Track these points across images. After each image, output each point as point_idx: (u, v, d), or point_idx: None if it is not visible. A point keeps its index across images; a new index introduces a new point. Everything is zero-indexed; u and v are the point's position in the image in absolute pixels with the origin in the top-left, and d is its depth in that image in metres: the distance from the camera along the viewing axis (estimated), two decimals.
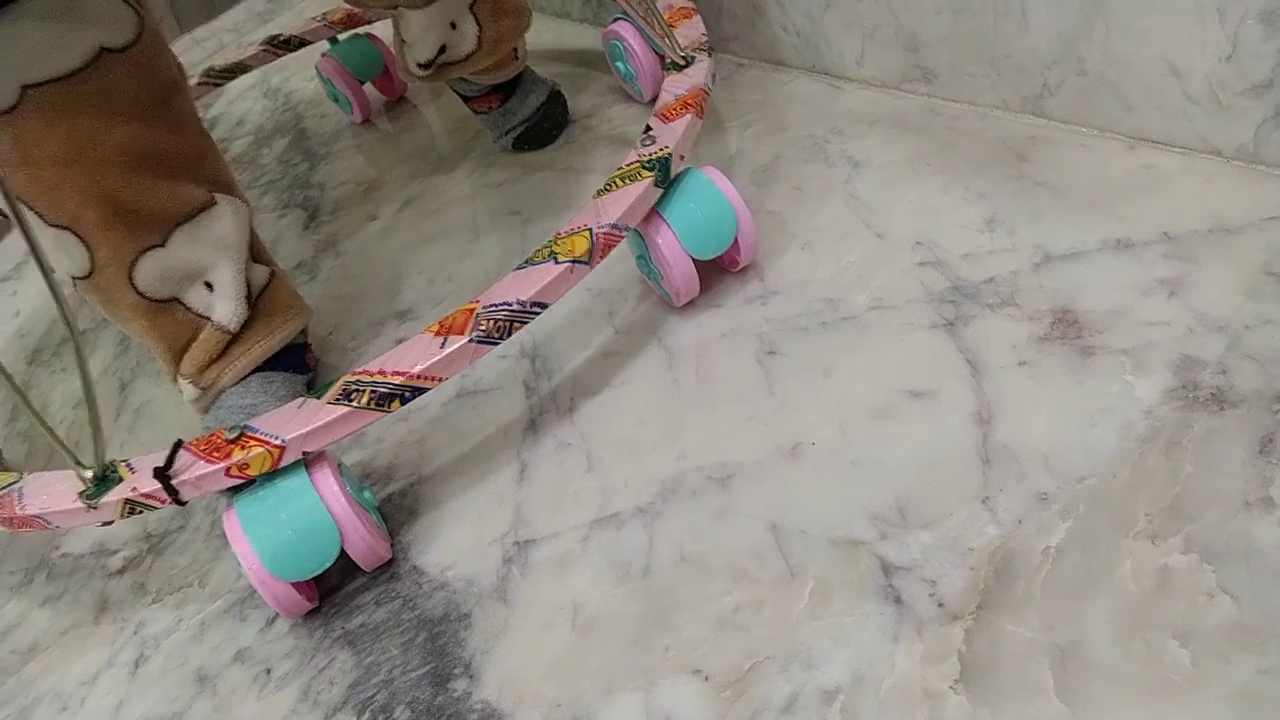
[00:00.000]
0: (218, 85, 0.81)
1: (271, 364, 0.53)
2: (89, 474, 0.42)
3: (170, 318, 0.50)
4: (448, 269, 0.63)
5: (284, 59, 0.85)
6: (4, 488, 0.45)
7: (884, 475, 0.40)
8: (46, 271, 0.39)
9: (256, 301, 0.53)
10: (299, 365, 0.56)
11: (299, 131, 0.87)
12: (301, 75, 0.93)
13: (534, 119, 0.70)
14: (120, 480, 0.42)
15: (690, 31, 0.59)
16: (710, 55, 0.56)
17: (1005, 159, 0.53)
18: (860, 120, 0.61)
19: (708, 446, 0.44)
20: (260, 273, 0.53)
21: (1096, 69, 0.50)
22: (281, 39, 0.82)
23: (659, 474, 0.44)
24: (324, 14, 0.82)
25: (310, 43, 0.82)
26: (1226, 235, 0.44)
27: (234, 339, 0.52)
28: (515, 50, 0.65)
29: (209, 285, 0.51)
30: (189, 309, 0.50)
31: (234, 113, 0.94)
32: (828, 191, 0.56)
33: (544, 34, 0.85)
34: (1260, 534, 0.33)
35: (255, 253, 0.54)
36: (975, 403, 0.41)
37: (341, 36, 0.83)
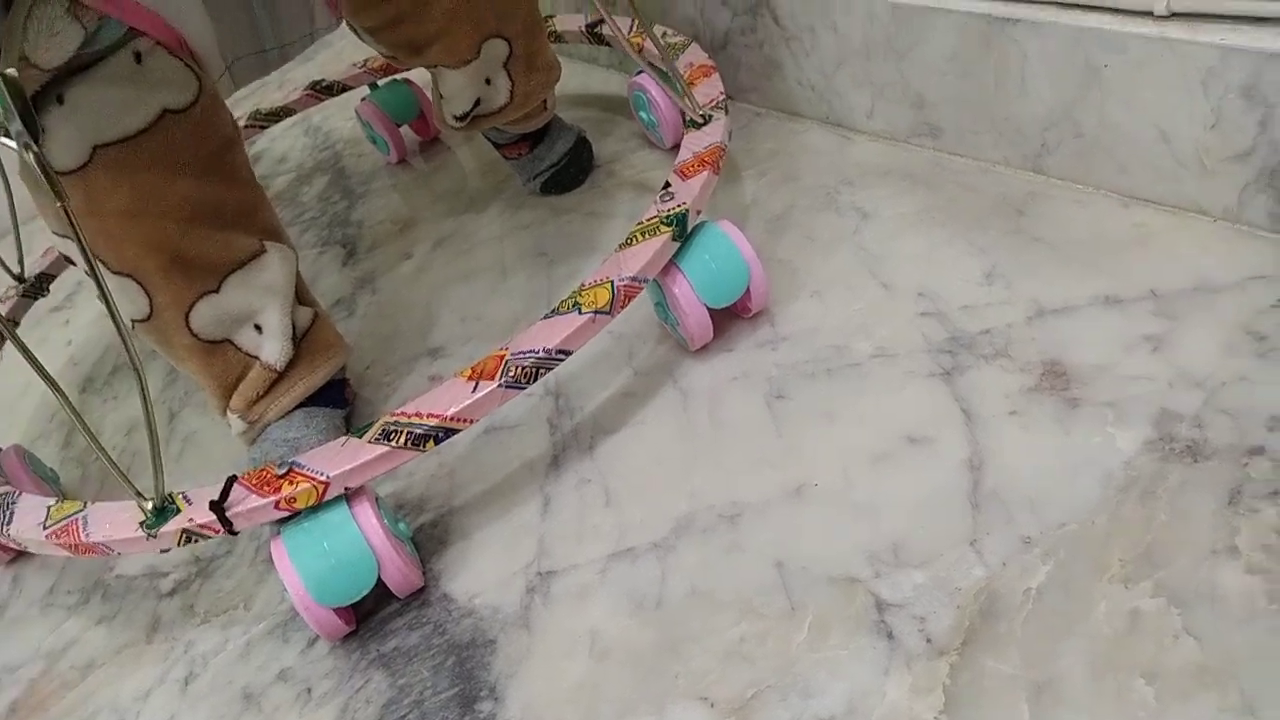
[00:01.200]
0: (263, 128, 0.86)
1: (313, 399, 0.57)
2: (149, 505, 0.46)
3: (222, 357, 0.54)
4: (477, 308, 0.67)
5: (325, 102, 0.89)
6: (68, 516, 0.49)
7: (881, 517, 0.43)
8: (117, 319, 0.43)
9: (301, 341, 0.56)
10: (338, 400, 0.60)
11: (338, 170, 0.91)
12: (340, 114, 0.97)
13: (560, 164, 0.73)
14: (178, 511, 0.46)
15: (709, 90, 0.62)
16: (727, 114, 0.60)
17: (1005, 214, 0.56)
18: (869, 172, 0.64)
19: (718, 486, 0.48)
20: (304, 314, 0.57)
21: (1092, 133, 0.53)
22: (324, 84, 0.86)
23: (673, 511, 0.47)
24: (365, 60, 0.87)
25: (351, 88, 0.87)
26: (1210, 294, 0.47)
27: (280, 377, 0.55)
28: (545, 101, 0.69)
29: (258, 327, 0.55)
30: (239, 349, 0.54)
31: (276, 150, 0.98)
32: (837, 241, 0.60)
33: (572, 79, 0.89)
34: (1225, 580, 0.36)
35: (300, 295, 0.58)
36: (968, 450, 0.44)
37: (380, 82, 0.87)
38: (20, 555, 0.61)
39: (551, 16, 0.80)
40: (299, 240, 0.83)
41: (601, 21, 0.76)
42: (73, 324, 0.84)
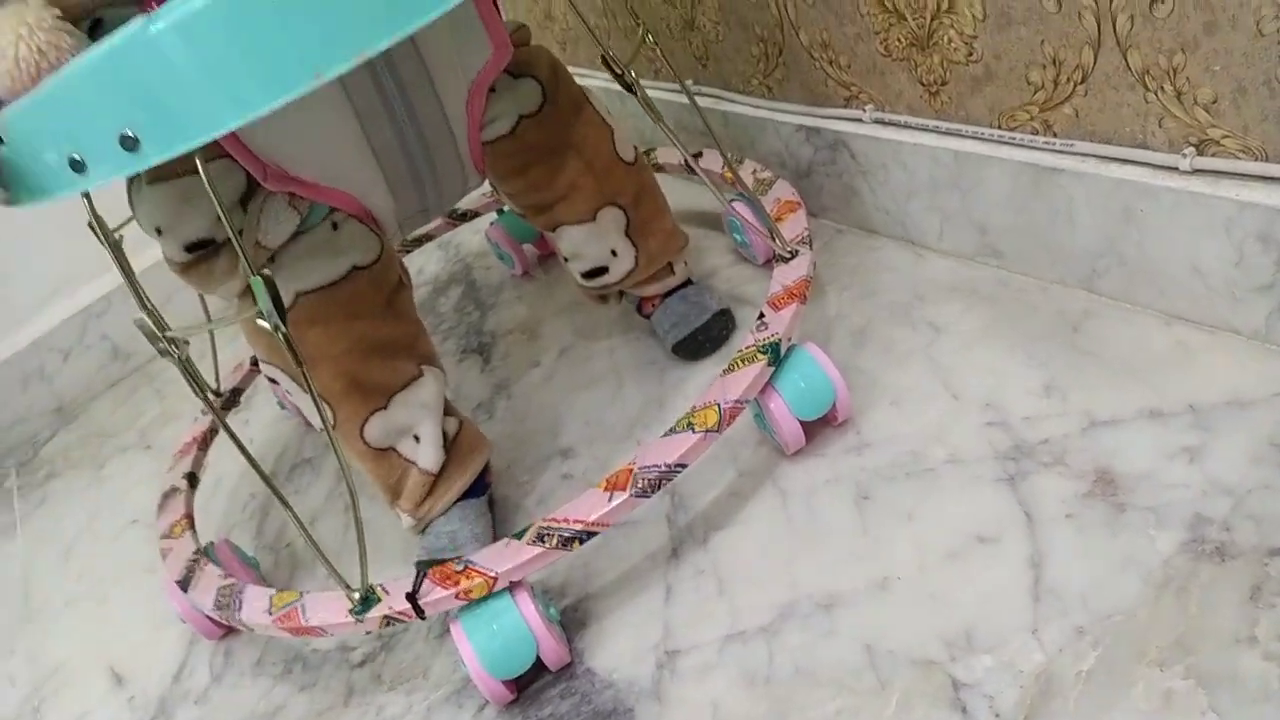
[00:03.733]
0: (408, 252, 1.00)
1: (464, 493, 0.69)
2: (356, 595, 0.58)
3: (388, 462, 0.66)
4: (599, 412, 0.78)
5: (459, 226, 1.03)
6: (289, 604, 0.61)
7: (955, 607, 0.51)
8: (328, 428, 0.56)
9: (451, 446, 0.68)
10: (481, 488, 0.71)
11: (470, 282, 1.04)
12: (469, 229, 1.10)
13: (693, 331, 0.76)
14: (379, 601, 0.58)
15: (795, 225, 0.73)
16: (811, 248, 0.70)
17: (1062, 330, 0.64)
18: (940, 288, 0.73)
19: (815, 577, 0.57)
20: (452, 423, 0.69)
21: (1134, 262, 0.61)
22: (459, 212, 1.00)
23: (776, 599, 0.56)
24: (492, 191, 1.00)
25: (481, 214, 1.00)
26: (1241, 408, 0.54)
27: (437, 478, 0.67)
28: (671, 266, 0.76)
29: (416, 438, 0.66)
30: (401, 456, 0.66)
31: (414, 263, 1.12)
32: (912, 353, 0.68)
33: (672, 195, 1.00)
34: (1245, 665, 0.43)
35: (447, 407, 0.69)
36: (1030, 549, 0.52)
37: (506, 208, 1.00)
38: (230, 631, 0.74)
39: (653, 149, 0.92)
40: (441, 347, 0.95)
41: (700, 155, 0.87)
42: (252, 424, 0.98)
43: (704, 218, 0.95)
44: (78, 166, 0.45)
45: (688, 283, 0.79)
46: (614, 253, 0.73)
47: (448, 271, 1.08)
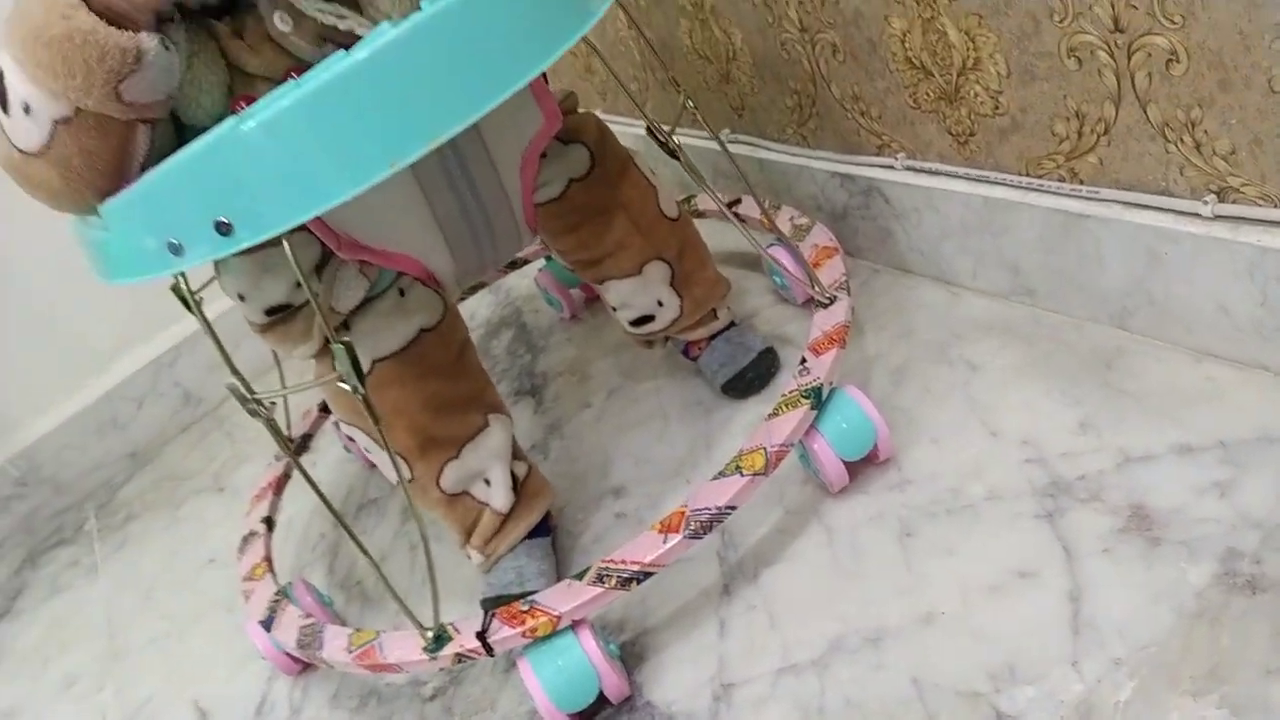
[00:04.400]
0: (463, 299, 1.05)
1: (530, 533, 0.73)
2: (430, 634, 0.62)
3: (462, 506, 0.70)
4: (648, 452, 0.81)
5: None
6: (367, 643, 0.65)
7: (998, 640, 0.54)
8: (404, 483, 0.60)
9: (520, 489, 0.72)
10: (545, 529, 0.75)
11: (520, 325, 1.09)
12: (518, 275, 1.15)
13: (741, 370, 0.80)
14: (451, 639, 0.61)
15: (832, 271, 0.76)
16: (849, 294, 0.73)
17: (1095, 367, 0.67)
18: (976, 326, 0.76)
19: (862, 612, 0.59)
20: (520, 467, 0.73)
21: (1162, 302, 0.63)
22: (511, 260, 1.04)
23: (826, 633, 0.59)
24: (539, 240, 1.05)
25: (530, 261, 1.05)
26: (1270, 444, 0.56)
27: (506, 519, 0.71)
28: (715, 311, 0.79)
29: (487, 481, 0.70)
30: (474, 498, 0.70)
31: (466, 308, 1.17)
32: (950, 392, 0.71)
33: (712, 237, 1.04)
34: (1277, 695, 0.45)
35: (515, 451, 0.73)
36: (1068, 583, 0.55)
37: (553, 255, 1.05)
38: (307, 667, 0.78)
39: (693, 196, 0.96)
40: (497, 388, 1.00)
41: (738, 202, 0.91)
42: (319, 466, 1.03)
43: (745, 259, 0.98)
44: (176, 250, 0.50)
45: (731, 325, 0.83)
46: (660, 303, 0.77)
47: (499, 315, 1.13)
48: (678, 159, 0.67)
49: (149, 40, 0.49)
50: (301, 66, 0.55)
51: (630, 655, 0.65)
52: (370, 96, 0.47)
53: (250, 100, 0.49)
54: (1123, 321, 0.67)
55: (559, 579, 0.66)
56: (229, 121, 0.47)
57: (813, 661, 0.58)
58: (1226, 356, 0.62)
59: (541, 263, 1.05)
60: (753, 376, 0.80)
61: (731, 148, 0.97)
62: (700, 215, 0.94)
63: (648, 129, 0.68)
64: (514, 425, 0.73)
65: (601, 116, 0.77)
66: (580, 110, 0.75)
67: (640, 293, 0.77)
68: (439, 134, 0.48)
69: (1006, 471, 0.63)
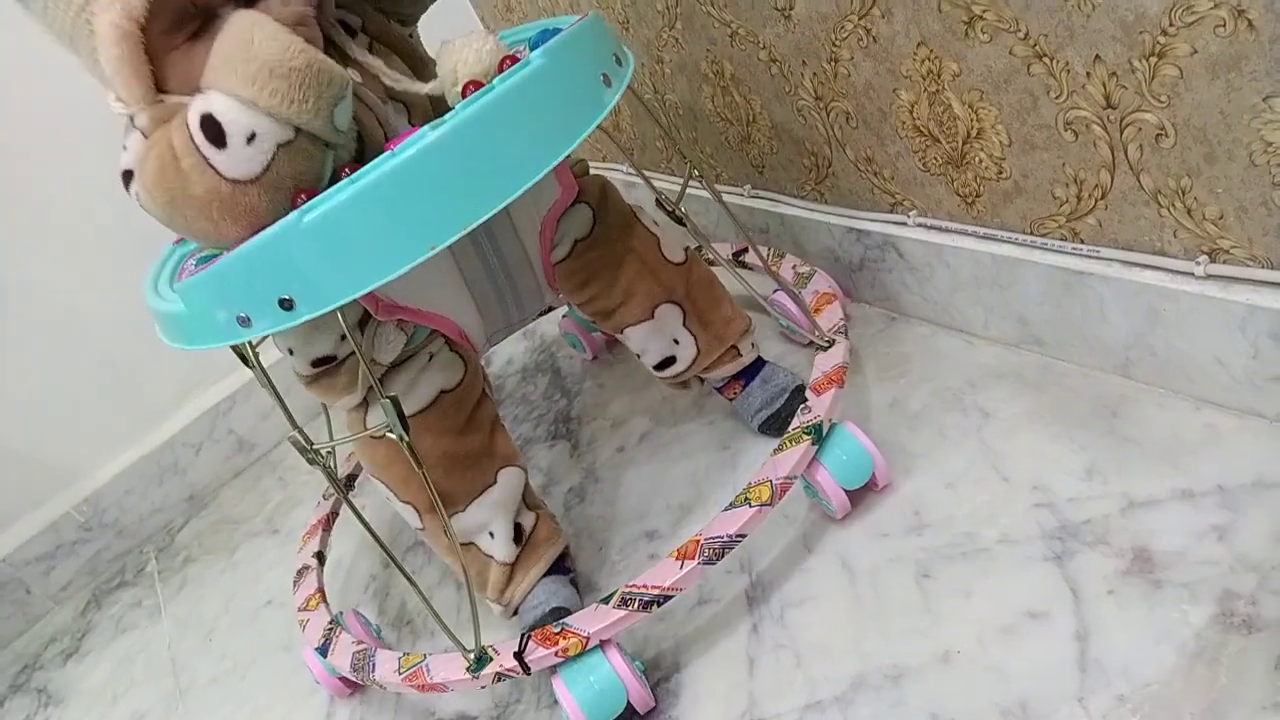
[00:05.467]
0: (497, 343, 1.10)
1: (545, 573, 0.77)
2: (472, 655, 0.67)
3: (471, 555, 0.76)
4: (678, 494, 0.86)
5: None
6: (415, 665, 0.70)
7: (1010, 678, 0.58)
8: (417, 530, 0.65)
9: (527, 539, 0.77)
10: (562, 569, 0.80)
11: (554, 370, 1.14)
12: (549, 320, 1.20)
13: (777, 409, 0.84)
14: (491, 660, 0.67)
15: (831, 316, 0.81)
16: (847, 337, 0.78)
17: (1102, 414, 0.70)
18: (989, 374, 0.80)
19: (882, 650, 0.63)
20: (529, 517, 0.78)
21: (1162, 353, 0.67)
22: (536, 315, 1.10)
23: (849, 671, 0.63)
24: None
25: (555, 308, 1.10)
26: (1265, 489, 0.60)
27: (514, 568, 0.76)
28: (736, 348, 0.83)
29: (490, 534, 0.75)
30: (481, 550, 0.76)
31: (503, 351, 1.23)
32: (964, 437, 0.75)
33: (728, 284, 1.09)
34: None
35: (526, 499, 0.78)
36: (1076, 624, 0.58)
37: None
38: (357, 689, 0.83)
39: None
40: (532, 434, 1.05)
41: (745, 251, 0.96)
42: (367, 509, 1.08)
43: (750, 303, 1.03)
44: (244, 322, 0.57)
45: (759, 361, 0.86)
46: (676, 341, 0.81)
47: (534, 360, 1.18)
48: (684, 225, 0.73)
49: (348, 72, 0.58)
50: (355, 164, 0.61)
51: (666, 692, 0.69)
52: (412, 191, 0.54)
53: (310, 195, 0.55)
54: (1127, 371, 0.71)
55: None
56: (292, 215, 0.53)
57: (836, 698, 0.62)
58: (1225, 404, 0.66)
59: (565, 310, 1.11)
60: (786, 416, 0.84)
61: (752, 202, 1.02)
62: (711, 264, 0.99)
63: (657, 201, 0.74)
64: (533, 473, 0.78)
65: (624, 174, 0.83)
66: (591, 174, 0.81)
67: (655, 336, 0.81)
68: (472, 220, 0.55)
69: (1017, 516, 0.67)
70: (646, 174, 1.19)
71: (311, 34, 0.60)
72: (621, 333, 0.83)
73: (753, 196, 1.03)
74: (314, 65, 0.55)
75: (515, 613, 0.77)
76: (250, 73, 0.55)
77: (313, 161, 0.58)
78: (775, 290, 0.91)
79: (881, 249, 0.87)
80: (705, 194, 1.06)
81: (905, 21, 0.68)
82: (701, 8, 0.88)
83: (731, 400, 0.88)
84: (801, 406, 0.74)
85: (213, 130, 0.56)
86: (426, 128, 0.54)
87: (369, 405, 0.74)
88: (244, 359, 0.68)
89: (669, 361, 0.83)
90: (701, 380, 0.87)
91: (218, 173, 0.56)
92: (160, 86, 0.60)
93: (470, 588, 0.69)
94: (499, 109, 0.55)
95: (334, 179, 0.57)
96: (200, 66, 0.58)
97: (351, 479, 1.05)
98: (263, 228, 0.55)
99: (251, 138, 0.55)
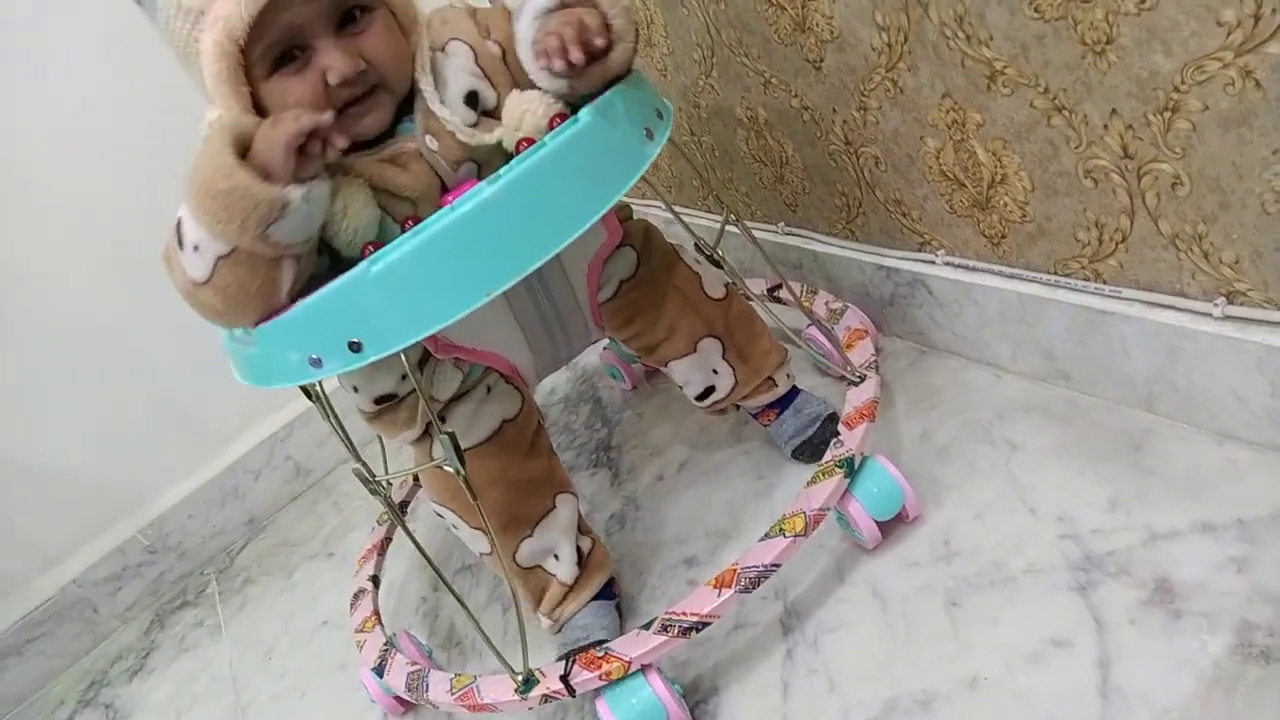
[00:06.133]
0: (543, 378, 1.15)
1: (593, 597, 0.82)
2: (520, 678, 0.71)
3: (534, 577, 0.80)
4: (716, 522, 0.89)
5: None
6: (466, 686, 0.74)
7: (1035, 704, 0.60)
8: (484, 554, 0.69)
9: (585, 562, 0.81)
10: (609, 594, 0.84)
11: (595, 400, 1.18)
12: (590, 352, 1.24)
13: (809, 436, 0.87)
14: (538, 682, 0.71)
15: (863, 352, 0.84)
16: (878, 372, 0.81)
17: (1125, 448, 0.73)
18: (1016, 407, 0.82)
19: (913, 677, 0.66)
20: (586, 541, 0.82)
21: (1184, 389, 0.69)
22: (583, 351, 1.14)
23: (880, 695, 0.66)
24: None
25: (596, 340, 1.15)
26: None
27: (571, 589, 0.80)
28: (772, 378, 0.87)
29: (556, 556, 0.80)
30: (545, 571, 0.80)
31: (546, 382, 1.27)
32: (992, 470, 0.78)
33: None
34: None
35: (580, 526, 0.82)
36: (1098, 652, 0.61)
37: None
38: (411, 708, 0.88)
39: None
40: (576, 461, 1.09)
41: (779, 287, 0.99)
42: (419, 532, 1.13)
43: (783, 335, 1.06)
44: (315, 364, 0.62)
45: (794, 391, 0.90)
46: (715, 371, 0.85)
47: (576, 390, 1.23)
48: (721, 267, 0.77)
49: (294, 192, 0.60)
50: (418, 215, 0.66)
51: (704, 714, 0.72)
52: (470, 242, 0.59)
53: (377, 246, 0.60)
54: (1151, 405, 0.73)
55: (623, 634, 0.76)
56: (361, 265, 0.58)
57: None
58: (1246, 439, 0.68)
59: (606, 342, 1.15)
60: (819, 443, 0.87)
61: (786, 239, 1.06)
62: (750, 299, 1.03)
63: (696, 246, 0.78)
64: (579, 500, 0.82)
65: (663, 210, 0.87)
66: (634, 218, 0.85)
67: (698, 369, 0.86)
68: (525, 268, 0.59)
69: (1044, 546, 0.69)
70: (684, 211, 1.24)
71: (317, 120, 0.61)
72: (665, 365, 0.87)
73: (786, 233, 1.06)
74: (237, 190, 0.57)
75: (560, 629, 0.81)
76: (192, 190, 0.59)
77: (256, 271, 0.60)
78: (809, 325, 0.94)
79: (911, 286, 0.90)
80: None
81: (930, 75, 0.72)
82: (736, 58, 0.92)
83: (766, 426, 0.91)
84: (834, 440, 0.77)
85: (179, 232, 0.62)
86: (484, 183, 0.58)
87: (430, 437, 0.78)
88: (309, 395, 0.73)
89: (708, 391, 0.87)
90: (738, 407, 0.91)
91: (184, 269, 0.62)
92: (259, 110, 0.66)
93: (519, 612, 0.73)
94: (549, 165, 0.60)
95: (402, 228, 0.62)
96: (290, 100, 0.64)
97: (404, 505, 1.10)
98: (226, 322, 0.61)
99: (196, 247, 0.61)
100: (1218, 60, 0.53)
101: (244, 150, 0.60)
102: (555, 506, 0.79)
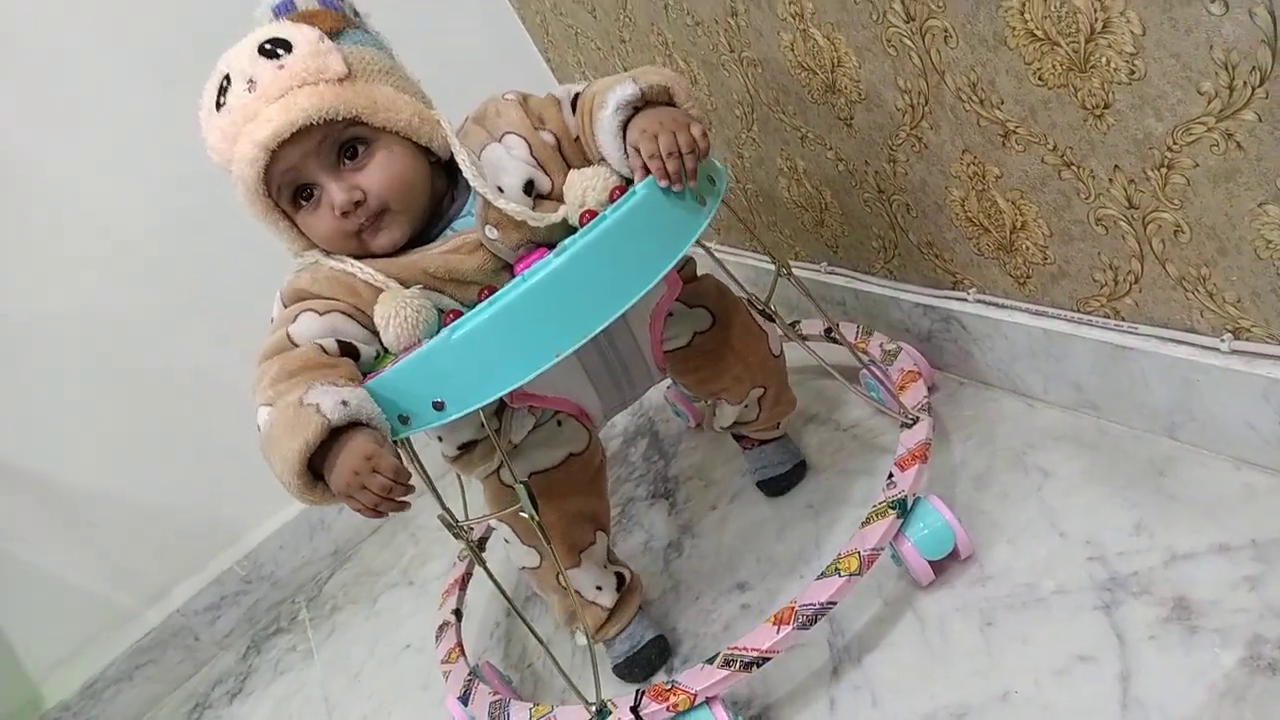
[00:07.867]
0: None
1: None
2: (594, 708, 0.78)
3: (574, 599, 0.87)
4: (766, 550, 0.95)
5: None
6: (544, 715, 0.81)
7: (1061, 715, 0.65)
8: (533, 570, 0.76)
9: (625, 589, 0.90)
10: (643, 620, 0.92)
11: (653, 434, 1.26)
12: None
13: (778, 474, 1.00)
14: (610, 713, 0.77)
15: (915, 394, 0.89)
16: (930, 413, 0.86)
17: (1150, 474, 0.77)
18: (1048, 436, 0.87)
19: (949, 691, 0.71)
20: (624, 571, 0.91)
21: (1202, 418, 0.74)
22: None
23: (919, 709, 0.71)
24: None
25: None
26: None
27: (612, 612, 0.89)
28: (779, 424, 0.99)
29: (599, 587, 0.88)
30: (584, 597, 0.88)
31: (619, 419, 1.35)
32: (1025, 496, 0.83)
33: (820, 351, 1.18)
34: None
35: (610, 556, 0.91)
36: (1120, 666, 0.66)
37: None
38: None
39: (798, 321, 1.11)
40: (633, 493, 1.17)
41: (833, 327, 1.05)
42: (490, 564, 1.21)
43: (847, 372, 1.12)
44: (404, 420, 0.70)
45: (782, 434, 1.02)
46: (746, 406, 0.95)
47: (635, 425, 1.30)
48: (773, 321, 0.83)
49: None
50: (495, 285, 0.74)
51: None
52: (540, 309, 0.66)
53: (457, 315, 0.68)
54: (1173, 433, 0.78)
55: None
56: (443, 332, 0.66)
57: None
58: (1262, 464, 0.72)
59: (668, 382, 1.22)
60: (784, 484, 1.00)
61: (829, 278, 1.12)
62: (804, 338, 1.09)
63: (748, 301, 0.85)
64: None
65: (714, 249, 0.94)
66: (699, 275, 0.92)
67: (740, 412, 0.95)
68: (589, 331, 0.67)
69: (1072, 568, 0.74)
70: (733, 251, 1.31)
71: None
72: (716, 402, 0.96)
73: (829, 272, 1.12)
74: (292, 489, 0.66)
75: (608, 643, 0.90)
76: (263, 449, 0.69)
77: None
78: (862, 369, 1.00)
79: (946, 322, 0.96)
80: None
81: (950, 132, 0.78)
82: (774, 114, 0.99)
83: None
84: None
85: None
86: (552, 254, 0.66)
87: (501, 466, 0.86)
88: (397, 445, 0.81)
89: (735, 424, 0.98)
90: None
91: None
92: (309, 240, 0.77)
93: (591, 646, 0.80)
94: (610, 235, 0.67)
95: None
96: (316, 232, 0.75)
97: (482, 542, 1.18)
98: None
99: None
100: (1202, 124, 0.58)
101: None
102: (595, 542, 0.88)
